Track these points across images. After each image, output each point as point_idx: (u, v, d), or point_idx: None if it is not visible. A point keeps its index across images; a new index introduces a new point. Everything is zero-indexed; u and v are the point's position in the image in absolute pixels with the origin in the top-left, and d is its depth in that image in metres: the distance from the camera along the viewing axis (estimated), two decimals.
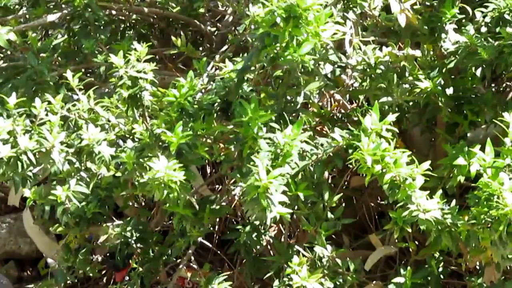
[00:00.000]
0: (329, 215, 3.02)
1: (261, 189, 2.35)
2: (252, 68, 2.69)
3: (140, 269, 3.23)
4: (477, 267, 3.14)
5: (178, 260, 3.34)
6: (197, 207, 2.76)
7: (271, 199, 2.37)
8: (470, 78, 3.04)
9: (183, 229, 2.91)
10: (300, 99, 2.80)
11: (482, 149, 2.62)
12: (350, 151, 2.61)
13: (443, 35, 3.00)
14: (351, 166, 3.17)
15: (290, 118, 2.78)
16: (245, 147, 2.57)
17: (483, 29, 3.01)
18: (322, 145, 2.84)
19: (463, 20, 3.07)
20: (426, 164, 2.49)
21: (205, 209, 2.90)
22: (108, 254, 3.50)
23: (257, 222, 3.06)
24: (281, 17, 2.42)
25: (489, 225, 2.46)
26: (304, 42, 2.48)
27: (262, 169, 2.36)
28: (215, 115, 2.69)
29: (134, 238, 3.20)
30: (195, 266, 3.44)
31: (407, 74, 3.03)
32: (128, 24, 3.85)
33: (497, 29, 2.90)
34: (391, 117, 2.59)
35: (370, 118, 2.56)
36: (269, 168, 2.42)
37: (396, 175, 2.45)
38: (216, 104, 2.68)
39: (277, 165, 2.48)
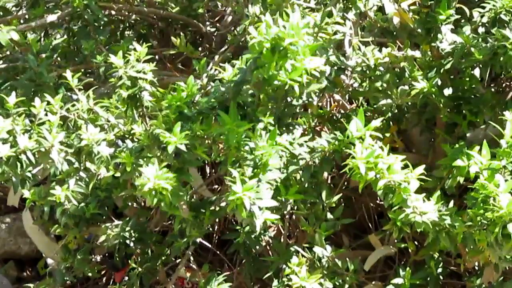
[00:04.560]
0: (329, 215, 3.02)
1: (238, 201, 2.35)
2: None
3: (140, 269, 3.23)
4: (476, 268, 3.14)
5: (178, 260, 3.34)
6: (188, 212, 2.75)
7: (251, 208, 2.36)
8: (468, 79, 3.04)
9: (183, 230, 2.91)
10: (300, 101, 2.79)
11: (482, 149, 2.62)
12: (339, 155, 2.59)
13: (439, 36, 3.00)
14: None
15: (290, 119, 2.78)
16: (229, 156, 2.57)
17: (481, 30, 3.01)
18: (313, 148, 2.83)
19: (462, 21, 3.07)
20: (421, 169, 2.46)
21: (204, 211, 2.89)
22: (107, 254, 3.51)
23: None
24: (266, 49, 2.41)
25: (485, 227, 2.45)
26: (292, 72, 2.47)
27: (238, 181, 2.35)
28: (213, 117, 2.68)
29: (133, 238, 3.21)
30: (194, 266, 3.45)
31: (406, 75, 3.03)
32: (127, 25, 3.85)
33: (493, 30, 2.90)
34: (376, 122, 2.55)
35: (355, 123, 2.54)
36: (244, 179, 2.40)
37: (390, 180, 2.43)
38: (215, 107, 2.68)
39: (256, 174, 2.47)
